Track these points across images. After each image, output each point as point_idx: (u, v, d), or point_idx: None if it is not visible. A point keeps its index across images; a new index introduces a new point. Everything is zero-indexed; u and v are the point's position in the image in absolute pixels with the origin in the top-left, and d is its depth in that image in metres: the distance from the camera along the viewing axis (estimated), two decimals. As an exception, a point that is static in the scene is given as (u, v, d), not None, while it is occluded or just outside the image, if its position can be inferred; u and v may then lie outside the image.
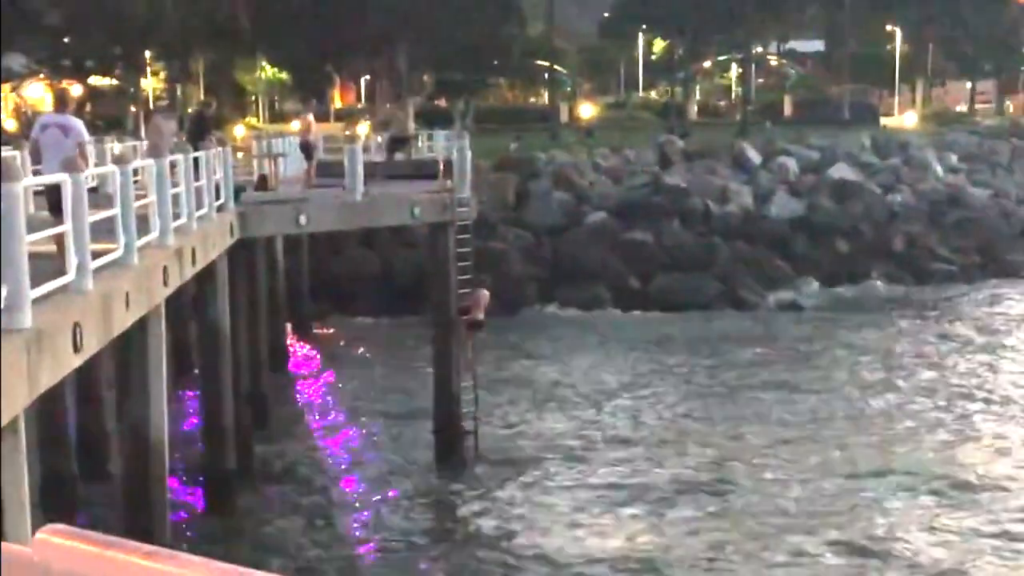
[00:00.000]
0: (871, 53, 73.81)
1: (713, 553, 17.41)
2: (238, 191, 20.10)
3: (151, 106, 54.78)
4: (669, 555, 17.30)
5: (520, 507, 19.70)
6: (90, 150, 12.78)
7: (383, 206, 22.06)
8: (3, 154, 18.61)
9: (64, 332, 9.30)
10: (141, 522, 13.77)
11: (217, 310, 18.90)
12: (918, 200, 46.99)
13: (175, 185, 14.84)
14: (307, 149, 24.32)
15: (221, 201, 18.60)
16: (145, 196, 13.70)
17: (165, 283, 13.29)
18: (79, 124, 12.49)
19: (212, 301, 18.79)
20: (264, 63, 61.13)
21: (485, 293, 22.98)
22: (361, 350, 33.26)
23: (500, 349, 30.74)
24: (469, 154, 22.37)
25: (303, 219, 20.26)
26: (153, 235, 13.47)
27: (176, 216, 14.75)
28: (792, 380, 28.78)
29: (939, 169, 50.62)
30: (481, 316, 22.36)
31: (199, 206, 16.56)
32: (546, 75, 64.59)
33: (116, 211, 11.72)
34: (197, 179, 16.49)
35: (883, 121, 65.52)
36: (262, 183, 23.61)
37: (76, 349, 9.53)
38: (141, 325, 12.88)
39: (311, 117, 25.89)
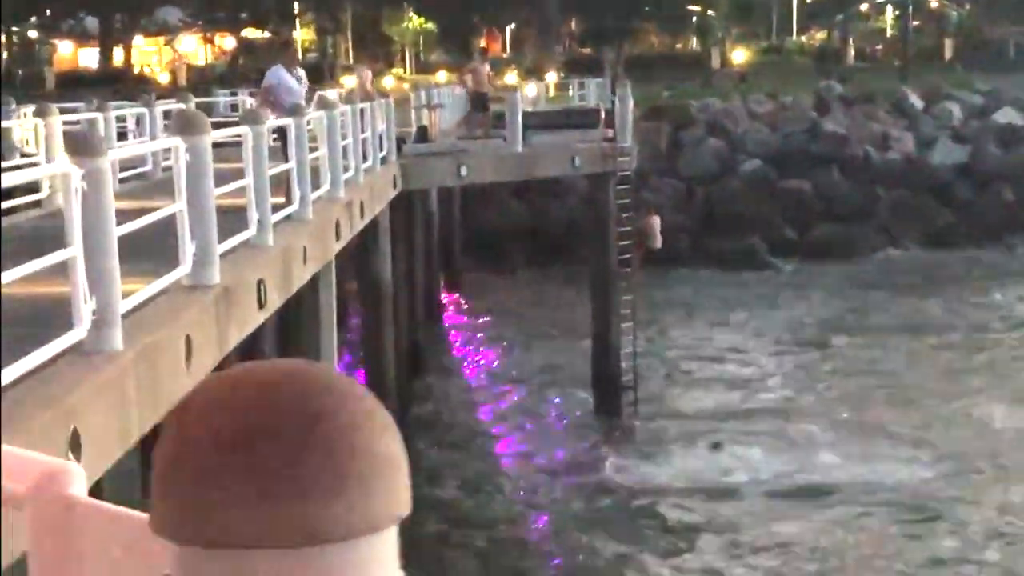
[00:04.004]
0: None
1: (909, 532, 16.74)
2: (399, 143, 19.87)
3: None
4: (857, 535, 16.57)
5: (683, 469, 19.15)
6: (278, 93, 13.01)
7: (543, 157, 21.65)
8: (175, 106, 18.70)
9: (249, 288, 9.11)
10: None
11: (380, 264, 18.73)
12: (1090, 146, 44.70)
13: (343, 137, 14.63)
14: (481, 100, 23.90)
15: (383, 153, 18.37)
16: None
17: (337, 237, 13.10)
18: (270, 71, 12.91)
19: (375, 254, 18.60)
20: (411, 13, 61.08)
21: (656, 219, 22.39)
22: (512, 302, 33.00)
23: (655, 302, 30.11)
24: (631, 102, 21.79)
25: (464, 171, 19.96)
26: (324, 188, 13.26)
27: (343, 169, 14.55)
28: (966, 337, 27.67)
29: (1111, 113, 48.07)
30: (658, 245, 21.89)
31: (364, 158, 16.36)
32: (693, 19, 63.26)
33: (291, 164, 11.52)
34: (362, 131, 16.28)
35: (1049, 63, 62.56)
36: (422, 134, 23.35)
37: (260, 305, 9.34)
38: (312, 280, 12.71)
39: (487, 68, 25.32)
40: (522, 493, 18.58)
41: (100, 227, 6.34)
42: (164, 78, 57.22)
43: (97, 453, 5.88)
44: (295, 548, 0.97)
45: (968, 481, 18.02)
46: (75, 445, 5.59)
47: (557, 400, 23.36)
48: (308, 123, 12.63)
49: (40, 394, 5.60)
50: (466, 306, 32.74)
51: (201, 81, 49.36)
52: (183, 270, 7.97)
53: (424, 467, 19.46)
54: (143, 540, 1.22)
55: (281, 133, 11.91)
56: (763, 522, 16.67)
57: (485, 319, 31.06)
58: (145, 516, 1.26)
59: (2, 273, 5.58)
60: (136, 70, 58.64)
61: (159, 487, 1.03)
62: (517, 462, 20.06)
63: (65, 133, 11.86)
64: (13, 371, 5.43)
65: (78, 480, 1.30)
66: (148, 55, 62.67)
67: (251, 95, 29.50)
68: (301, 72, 14.05)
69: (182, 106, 19.37)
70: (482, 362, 26.84)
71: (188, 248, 8.00)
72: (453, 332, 29.94)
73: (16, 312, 7.00)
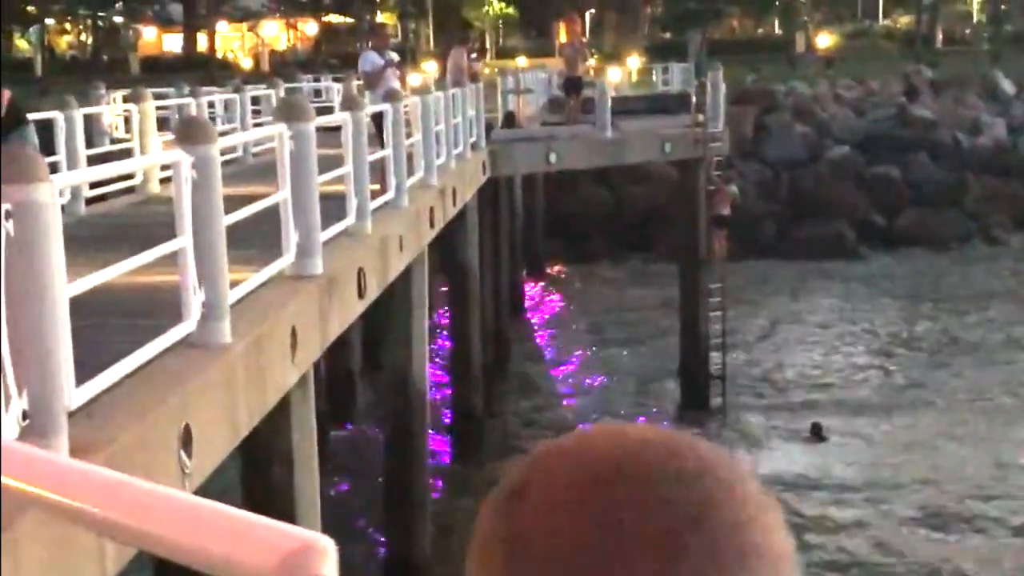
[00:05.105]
0: None
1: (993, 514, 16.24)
2: (488, 128, 19.64)
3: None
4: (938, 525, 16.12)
5: (774, 462, 18.71)
6: (367, 75, 12.87)
7: (633, 143, 21.31)
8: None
9: (350, 277, 8.92)
10: (402, 470, 13.55)
11: (468, 252, 18.52)
12: None
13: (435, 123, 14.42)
14: (573, 84, 23.52)
15: (473, 139, 18.15)
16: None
17: (431, 225, 12.90)
18: (361, 56, 12.66)
19: (463, 243, 18.39)
20: (492, -3, 60.96)
21: (733, 188, 21.95)
22: (595, 289, 32.70)
23: (741, 288, 29.64)
24: (723, 87, 21.37)
25: (553, 157, 19.68)
26: (418, 175, 13.05)
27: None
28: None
29: None
30: (726, 211, 21.46)
31: (455, 144, 16.14)
32: (777, 3, 62.29)
33: (388, 152, 11.32)
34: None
35: None
36: (509, 120, 23.08)
37: (360, 295, 9.16)
38: (406, 269, 12.53)
39: (583, 50, 24.91)
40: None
41: (209, 216, 6.16)
42: (247, 63, 57.51)
43: (207, 450, 5.71)
44: None
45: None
46: (187, 442, 5.42)
47: (644, 390, 23.00)
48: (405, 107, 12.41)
49: (151, 389, 5.43)
50: (549, 294, 32.49)
51: (283, 66, 49.53)
52: (287, 260, 7.79)
53: (509, 457, 19.28)
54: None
55: (375, 119, 11.70)
56: (862, 521, 16.23)
57: (568, 307, 30.78)
58: None
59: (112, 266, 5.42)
60: (219, 55, 59.01)
61: None
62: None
63: (178, 119, 11.79)
64: (125, 366, 5.26)
65: (330, 557, 1.05)
66: (231, 40, 63.06)
67: (336, 81, 29.44)
68: (393, 55, 13.81)
69: (271, 92, 19.33)
70: (566, 350, 26.54)
71: (292, 237, 7.82)
72: (536, 320, 29.69)
73: (122, 303, 6.86)
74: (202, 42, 58.39)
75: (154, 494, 1.05)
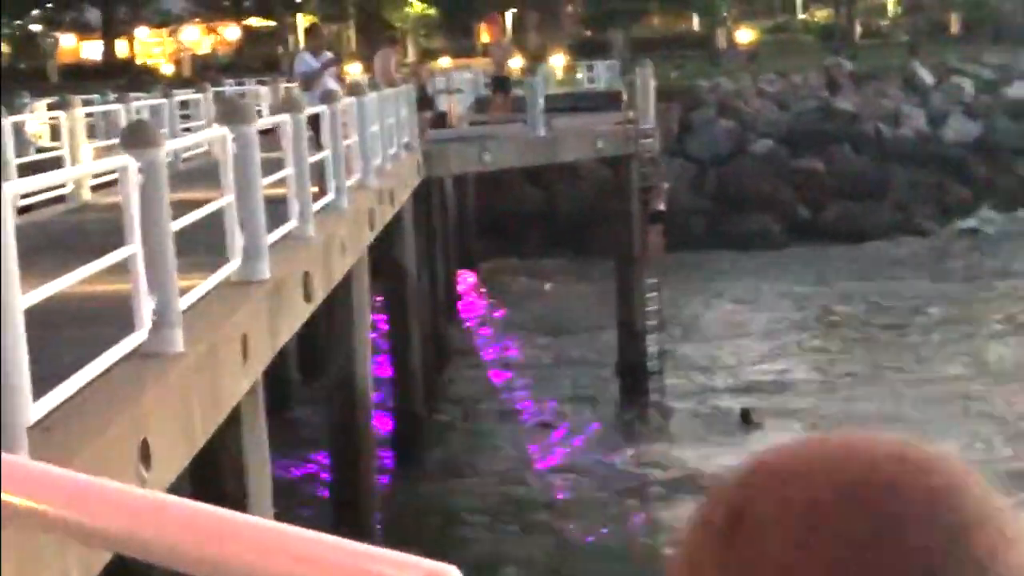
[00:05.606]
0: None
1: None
2: (421, 129, 19.54)
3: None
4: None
5: (714, 452, 18.83)
6: (304, 76, 12.71)
7: (566, 141, 21.32)
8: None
9: (297, 282, 8.79)
10: (349, 475, 13.44)
11: (405, 253, 18.41)
12: (1103, 118, 44.27)
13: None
14: (501, 83, 23.44)
15: (407, 140, 18.03)
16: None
17: (371, 227, 12.78)
18: (296, 58, 12.51)
19: (399, 244, 18.26)
20: (413, -1, 60.61)
21: (665, 185, 22.17)
22: (530, 288, 32.68)
23: (673, 286, 29.77)
24: (652, 83, 21.45)
25: (487, 157, 19.63)
26: (355, 177, 12.92)
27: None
28: (975, 318, 27.38)
29: (1124, 84, 47.56)
30: (662, 207, 21.62)
31: (390, 145, 16.02)
32: None
33: (327, 153, 11.19)
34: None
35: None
36: (440, 120, 22.96)
37: (307, 299, 9.03)
38: (348, 272, 12.40)
39: (509, 49, 24.90)
40: (550, 481, 18.32)
41: (157, 222, 6.01)
42: (168, 69, 56.75)
43: (165, 462, 5.57)
44: None
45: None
46: (145, 457, 5.27)
47: (583, 385, 23.04)
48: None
49: (107, 403, 5.27)
50: (484, 293, 32.43)
51: (205, 70, 48.92)
52: (233, 265, 7.64)
53: (453, 456, 19.20)
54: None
55: (311, 120, 11.55)
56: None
57: (504, 306, 30.73)
58: None
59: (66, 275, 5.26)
60: (140, 61, 58.19)
61: None
62: (544, 450, 19.77)
63: (106, 125, 11.55)
64: (81, 378, 5.11)
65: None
66: (151, 46, 62.15)
67: (260, 84, 29.17)
68: (329, 55, 13.66)
69: (199, 96, 19.08)
70: (504, 349, 26.52)
71: (238, 242, 7.67)
72: (472, 320, 29.62)
73: (68, 313, 6.68)
74: (122, 48, 57.53)
75: (259, 528, 0.96)
